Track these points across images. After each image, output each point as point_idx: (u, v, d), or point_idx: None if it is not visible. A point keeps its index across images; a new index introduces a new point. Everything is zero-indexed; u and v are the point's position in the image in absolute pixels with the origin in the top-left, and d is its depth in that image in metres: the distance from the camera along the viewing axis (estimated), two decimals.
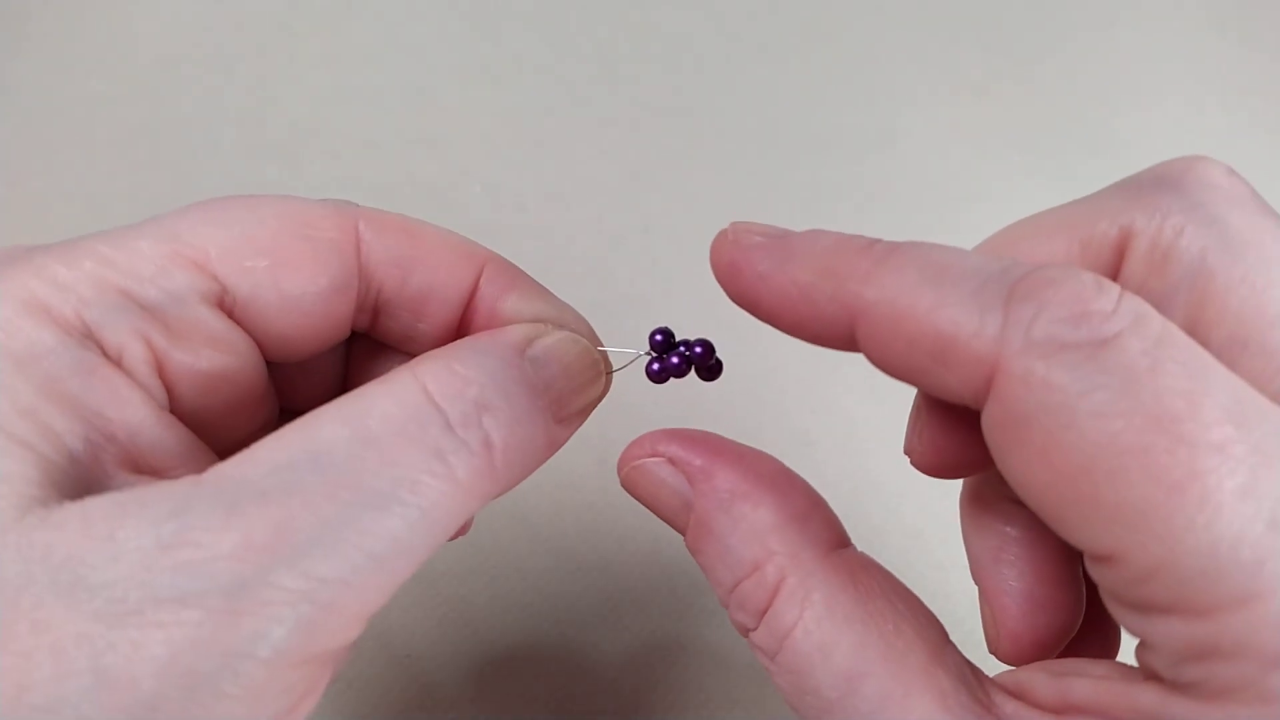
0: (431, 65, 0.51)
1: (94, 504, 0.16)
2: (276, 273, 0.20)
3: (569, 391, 0.21)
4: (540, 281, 0.24)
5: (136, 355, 0.19)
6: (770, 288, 0.19)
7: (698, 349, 0.24)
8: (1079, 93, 0.54)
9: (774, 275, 0.19)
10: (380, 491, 0.17)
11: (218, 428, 0.21)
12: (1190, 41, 0.57)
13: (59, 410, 0.17)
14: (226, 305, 0.20)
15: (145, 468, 0.19)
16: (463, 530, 0.22)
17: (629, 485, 0.22)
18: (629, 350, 0.24)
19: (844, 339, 0.18)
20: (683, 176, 0.48)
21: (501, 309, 0.23)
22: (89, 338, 0.18)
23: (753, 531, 0.20)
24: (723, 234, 0.20)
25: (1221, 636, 0.15)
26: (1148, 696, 0.17)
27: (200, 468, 0.17)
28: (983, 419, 0.17)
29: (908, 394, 0.34)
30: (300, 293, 0.21)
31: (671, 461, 0.21)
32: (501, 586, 0.36)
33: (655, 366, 0.24)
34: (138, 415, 0.19)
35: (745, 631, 0.20)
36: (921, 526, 0.39)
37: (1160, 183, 0.19)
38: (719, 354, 0.24)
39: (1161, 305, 0.19)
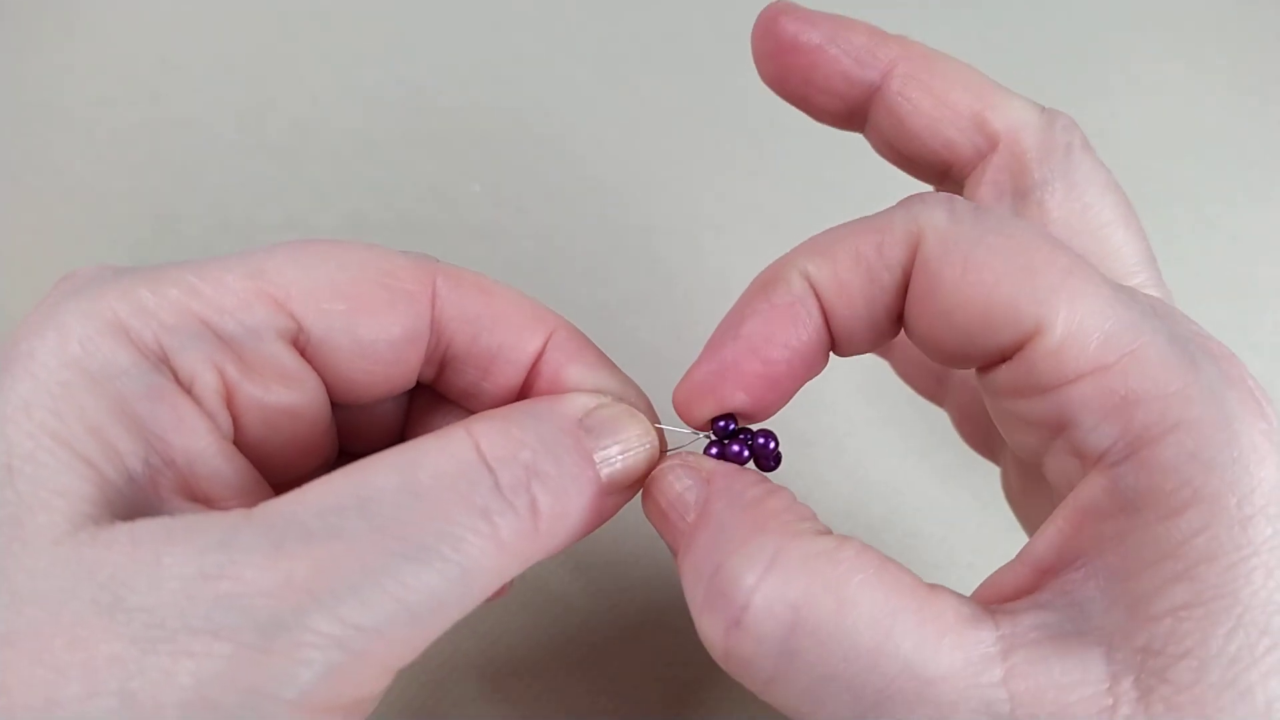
0: (431, 65, 0.51)
1: (144, 526, 0.17)
2: (353, 317, 0.21)
3: (621, 465, 0.21)
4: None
5: (208, 384, 0.19)
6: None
7: (760, 438, 0.23)
8: (1080, 89, 0.54)
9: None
10: (423, 545, 0.17)
11: (277, 463, 0.21)
12: (1189, 41, 0.57)
13: (125, 430, 0.18)
14: (300, 344, 0.21)
15: (200, 496, 0.19)
16: (501, 592, 0.21)
17: (649, 484, 0.22)
18: (686, 431, 0.23)
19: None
20: (683, 176, 0.48)
21: (564, 376, 0.23)
22: (164, 362, 0.19)
23: (760, 512, 0.20)
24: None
25: (1129, 380, 0.17)
26: (1088, 492, 0.18)
27: (254, 501, 0.18)
28: (916, 264, 0.20)
29: (907, 394, 0.34)
30: (373, 339, 0.21)
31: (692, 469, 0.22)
32: None
33: (714, 451, 0.23)
34: (200, 443, 0.19)
35: (731, 625, 0.19)
36: (920, 526, 0.39)
37: (1057, 115, 0.25)
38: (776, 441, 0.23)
39: (1013, 193, 0.23)
